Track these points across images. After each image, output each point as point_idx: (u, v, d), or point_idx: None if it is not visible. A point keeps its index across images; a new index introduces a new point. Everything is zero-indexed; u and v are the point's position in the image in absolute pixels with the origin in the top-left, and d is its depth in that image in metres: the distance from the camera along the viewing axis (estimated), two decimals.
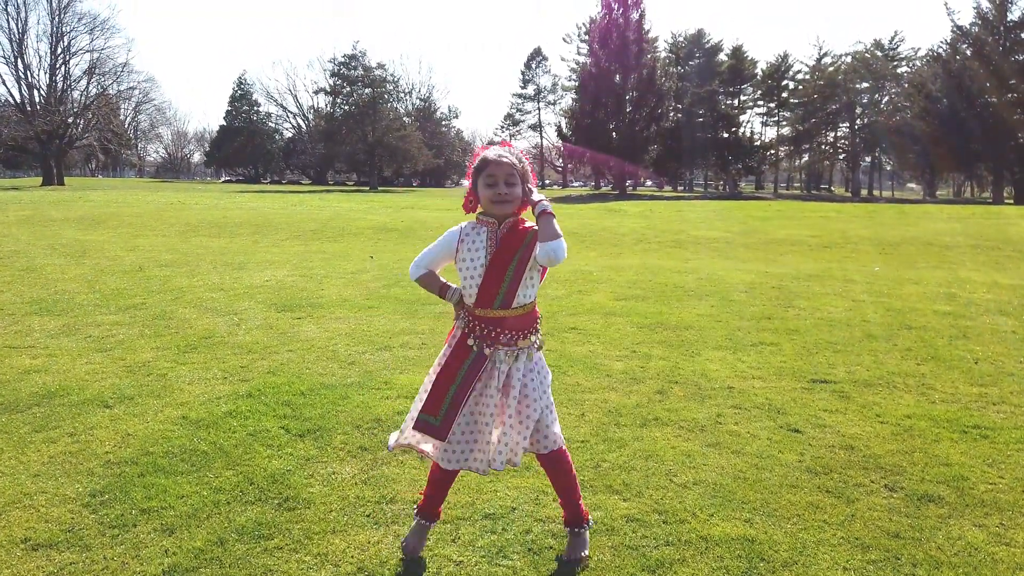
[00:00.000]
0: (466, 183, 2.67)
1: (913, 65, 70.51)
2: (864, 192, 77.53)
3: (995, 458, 3.67)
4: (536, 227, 2.52)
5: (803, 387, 4.90)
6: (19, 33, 57.84)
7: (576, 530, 2.72)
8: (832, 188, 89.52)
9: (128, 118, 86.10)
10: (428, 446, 2.70)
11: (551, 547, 2.77)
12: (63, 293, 8.38)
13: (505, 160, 2.52)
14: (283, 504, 3.09)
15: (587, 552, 2.70)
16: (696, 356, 5.70)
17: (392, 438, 2.79)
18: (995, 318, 7.35)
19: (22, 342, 6.00)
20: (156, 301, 7.92)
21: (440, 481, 2.71)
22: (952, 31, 56.50)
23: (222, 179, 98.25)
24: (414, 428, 2.63)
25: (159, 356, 5.54)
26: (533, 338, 2.62)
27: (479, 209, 2.62)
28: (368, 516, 3.01)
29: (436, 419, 2.55)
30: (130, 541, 2.77)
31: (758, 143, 79.10)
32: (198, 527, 2.87)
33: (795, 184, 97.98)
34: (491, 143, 2.69)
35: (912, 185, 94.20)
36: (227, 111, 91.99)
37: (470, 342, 2.57)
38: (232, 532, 2.84)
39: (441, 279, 2.70)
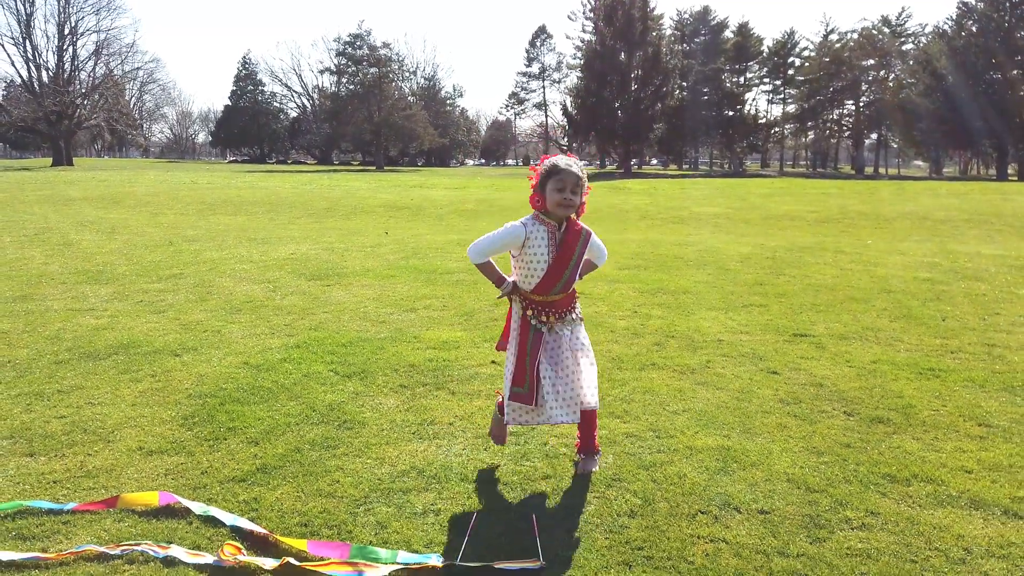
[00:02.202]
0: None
1: (920, 42, 70.35)
2: (869, 170, 77.67)
3: (942, 392, 4.29)
4: (583, 225, 3.13)
5: (785, 340, 5.52)
6: (26, 14, 58.24)
7: (588, 456, 3.28)
8: (838, 166, 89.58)
9: (133, 98, 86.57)
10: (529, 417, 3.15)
11: (564, 454, 3.41)
12: (105, 265, 9.02)
13: (574, 170, 2.98)
14: (342, 425, 3.74)
15: (596, 468, 3.28)
16: (691, 315, 6.32)
17: (507, 418, 3.20)
18: (970, 283, 7.94)
19: (81, 306, 6.65)
20: (193, 272, 8.55)
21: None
22: (958, 7, 56.45)
23: (227, 159, 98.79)
24: (511, 399, 3.10)
25: (210, 316, 6.18)
26: (577, 309, 3.22)
27: (541, 209, 3.04)
28: (414, 433, 3.65)
29: (523, 388, 3.07)
30: (224, 449, 3.42)
31: (763, 121, 79.12)
32: (277, 439, 3.53)
33: (801, 162, 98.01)
34: (552, 154, 3.15)
35: (918, 163, 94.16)
36: (232, 91, 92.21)
37: (533, 322, 3.10)
38: (305, 444, 3.49)
39: (499, 270, 3.12)
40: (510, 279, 3.14)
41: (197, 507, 2.82)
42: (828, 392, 4.30)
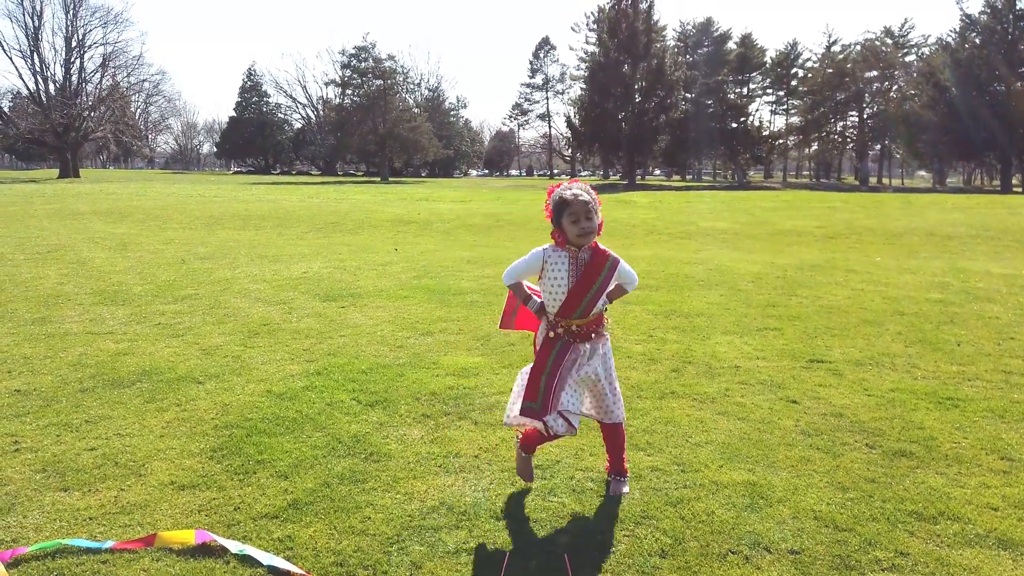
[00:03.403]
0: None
1: (923, 54, 70.57)
2: (873, 180, 77.73)
3: (963, 424, 4.32)
4: (609, 252, 3.21)
5: (802, 366, 5.55)
6: (34, 27, 58.73)
7: (619, 478, 3.42)
8: (841, 177, 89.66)
9: (139, 110, 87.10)
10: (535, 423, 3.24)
11: (591, 489, 3.44)
12: (120, 285, 9.08)
13: (582, 198, 3.10)
14: (369, 457, 3.77)
15: (627, 490, 3.40)
16: (707, 340, 6.35)
17: (506, 418, 3.35)
18: (983, 305, 7.96)
19: (100, 329, 6.69)
20: (207, 292, 8.61)
21: (538, 440, 3.33)
22: (961, 20, 56.62)
23: (232, 170, 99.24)
24: (521, 414, 3.20)
25: (228, 341, 6.23)
26: (604, 333, 3.30)
27: (564, 244, 3.18)
28: (440, 466, 3.68)
29: (536, 404, 3.14)
30: (255, 483, 3.46)
31: (767, 132, 79.32)
32: (306, 473, 3.56)
33: (804, 172, 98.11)
34: (563, 183, 3.24)
35: (922, 173, 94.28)
36: (237, 102, 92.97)
37: (552, 335, 3.21)
38: (334, 477, 3.52)
39: (527, 290, 3.34)
40: (537, 300, 3.31)
41: (233, 546, 2.85)
42: (848, 423, 4.32)
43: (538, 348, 3.29)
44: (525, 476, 3.39)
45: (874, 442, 4.02)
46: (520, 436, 3.42)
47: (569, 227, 3.12)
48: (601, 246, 3.24)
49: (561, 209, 3.13)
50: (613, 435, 3.41)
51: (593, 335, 3.25)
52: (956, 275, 10.26)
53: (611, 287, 3.29)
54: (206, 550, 2.85)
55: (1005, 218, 20.87)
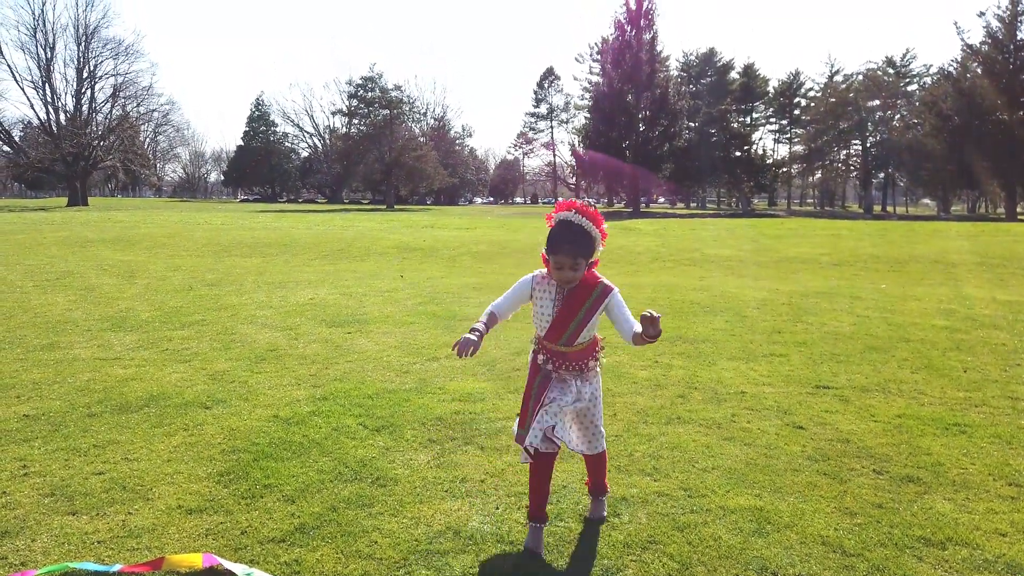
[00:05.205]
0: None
1: (925, 83, 71.15)
2: (877, 208, 77.90)
3: (970, 449, 4.30)
4: (601, 280, 3.10)
5: (808, 392, 5.55)
6: (46, 59, 59.68)
7: (600, 498, 3.42)
8: (845, 204, 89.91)
9: (148, 139, 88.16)
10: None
11: None
12: (128, 311, 9.14)
13: (566, 252, 2.98)
14: (375, 482, 3.78)
15: (605, 514, 3.40)
16: (712, 365, 6.35)
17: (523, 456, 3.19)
18: (988, 331, 7.95)
19: (108, 354, 6.73)
20: (214, 318, 8.65)
21: (537, 484, 3.14)
22: (962, 50, 57.12)
23: (239, 198, 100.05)
24: (516, 440, 3.22)
25: (235, 366, 6.25)
26: (592, 363, 3.21)
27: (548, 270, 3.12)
28: (446, 491, 3.69)
29: (526, 431, 3.12)
30: (262, 507, 3.46)
31: (770, 161, 79.78)
32: (313, 498, 3.57)
33: (808, 200, 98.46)
34: (563, 202, 3.14)
35: (926, 201, 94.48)
36: (245, 131, 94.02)
37: (540, 360, 3.18)
38: (340, 502, 3.53)
39: (482, 323, 3.11)
40: (474, 336, 3.02)
41: (240, 569, 2.85)
42: (855, 448, 4.31)
43: (529, 375, 3.25)
44: (535, 547, 3.09)
45: (881, 468, 4.01)
46: (528, 508, 3.21)
47: (553, 268, 3.06)
48: (595, 274, 3.12)
49: (549, 249, 3.06)
50: (596, 461, 3.38)
51: (582, 368, 3.14)
52: (961, 302, 10.26)
53: (599, 316, 3.10)
54: (213, 574, 2.86)
55: (1010, 246, 20.87)
